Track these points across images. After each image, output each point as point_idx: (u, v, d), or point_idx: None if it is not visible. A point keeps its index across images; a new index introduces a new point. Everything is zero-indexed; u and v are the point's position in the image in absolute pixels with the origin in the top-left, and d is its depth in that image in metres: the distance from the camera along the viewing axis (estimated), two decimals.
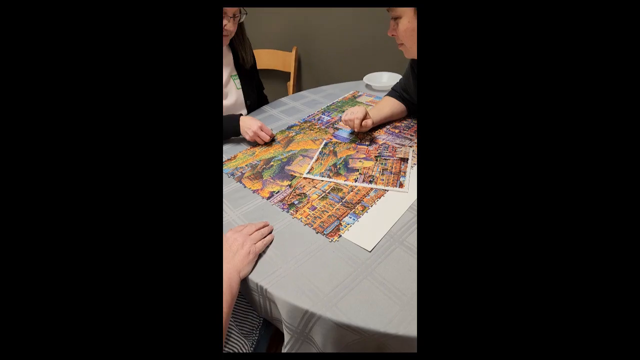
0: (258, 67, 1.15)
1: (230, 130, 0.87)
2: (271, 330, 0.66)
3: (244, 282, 0.53)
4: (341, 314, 0.45)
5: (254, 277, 0.51)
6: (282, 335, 0.54)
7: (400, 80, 0.94)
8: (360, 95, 1.12)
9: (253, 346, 0.59)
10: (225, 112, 0.96)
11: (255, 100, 1.11)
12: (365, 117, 0.80)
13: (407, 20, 0.62)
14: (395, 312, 0.45)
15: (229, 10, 0.85)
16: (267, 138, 0.84)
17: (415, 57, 0.74)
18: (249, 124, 0.84)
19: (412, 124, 0.91)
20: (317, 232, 0.58)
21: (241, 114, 0.88)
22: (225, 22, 0.85)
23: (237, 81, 1.02)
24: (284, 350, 0.52)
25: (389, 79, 1.17)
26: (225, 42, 0.93)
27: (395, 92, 0.93)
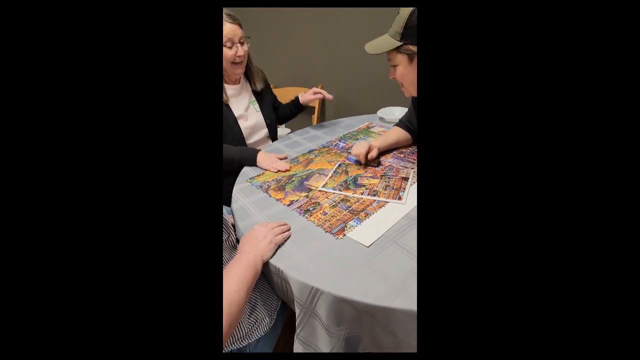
0: (286, 102, 1.36)
1: (247, 163, 1.03)
2: (286, 314, 0.78)
3: (266, 266, 0.66)
4: (341, 289, 0.57)
5: (274, 262, 0.65)
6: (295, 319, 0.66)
7: (405, 113, 1.09)
8: (373, 126, 1.28)
9: (272, 322, 0.71)
10: (248, 132, 1.17)
11: (274, 119, 1.30)
12: (369, 150, 0.95)
13: (402, 67, 0.79)
14: (382, 290, 0.56)
15: (235, 37, 1.03)
16: (286, 166, 0.99)
17: (414, 95, 0.89)
18: (267, 164, 1.00)
19: (415, 150, 1.05)
20: (326, 232, 0.72)
21: (260, 149, 1.06)
22: (236, 49, 1.05)
23: (256, 105, 1.22)
24: (297, 322, 0.64)
25: (401, 112, 1.32)
26: (242, 67, 1.11)
27: (402, 123, 1.08)
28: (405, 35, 0.73)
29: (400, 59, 0.78)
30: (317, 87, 1.24)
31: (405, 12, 0.72)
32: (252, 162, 1.02)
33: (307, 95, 1.24)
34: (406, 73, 0.79)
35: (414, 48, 0.74)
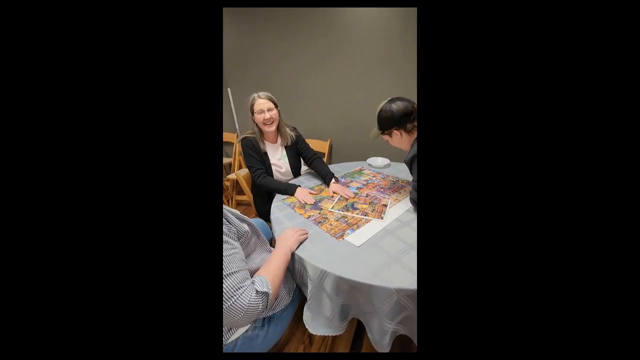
0: (323, 165, 1.68)
1: (289, 192, 1.41)
2: (299, 298, 1.10)
3: (292, 256, 1.00)
4: (340, 271, 0.89)
5: (298, 252, 0.99)
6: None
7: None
8: (364, 170, 1.69)
9: (290, 298, 1.03)
10: (277, 176, 1.57)
11: (299, 167, 1.68)
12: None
13: (392, 141, 1.22)
14: (366, 273, 0.88)
15: (265, 107, 1.37)
16: (312, 201, 1.35)
17: (400, 148, 1.29)
18: (300, 196, 1.36)
19: (393, 186, 1.44)
20: (331, 236, 1.07)
21: (299, 186, 1.42)
22: (264, 114, 1.38)
23: (286, 159, 1.61)
24: (308, 296, 0.97)
25: (382, 161, 1.77)
26: (273, 126, 1.43)
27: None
28: (380, 128, 1.19)
29: (387, 138, 1.23)
30: (335, 183, 1.46)
31: (377, 112, 1.17)
32: (292, 193, 1.41)
33: (333, 188, 1.42)
34: (393, 144, 1.23)
35: (384, 136, 1.22)
